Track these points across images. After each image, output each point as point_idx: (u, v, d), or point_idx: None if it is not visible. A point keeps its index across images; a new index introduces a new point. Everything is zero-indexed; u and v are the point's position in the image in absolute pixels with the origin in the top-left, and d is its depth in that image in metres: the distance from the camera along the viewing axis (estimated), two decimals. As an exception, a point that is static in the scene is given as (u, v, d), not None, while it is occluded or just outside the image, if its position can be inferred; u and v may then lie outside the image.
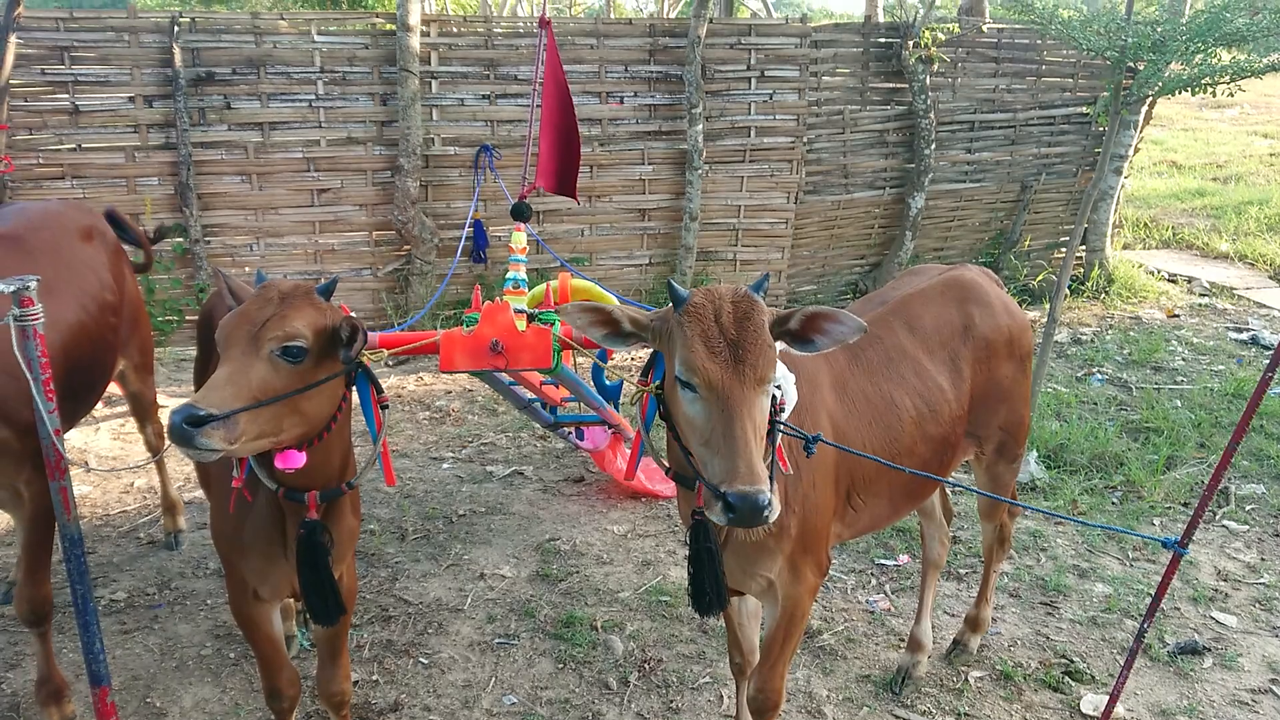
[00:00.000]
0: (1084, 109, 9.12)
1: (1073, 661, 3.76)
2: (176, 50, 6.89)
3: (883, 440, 2.84)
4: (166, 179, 7.13)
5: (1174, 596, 4.22)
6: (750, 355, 2.06)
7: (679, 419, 2.21)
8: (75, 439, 5.50)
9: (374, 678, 3.58)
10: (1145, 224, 11.51)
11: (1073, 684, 3.64)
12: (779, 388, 2.41)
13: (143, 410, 4.27)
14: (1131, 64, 5.52)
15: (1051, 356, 6.75)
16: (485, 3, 19.86)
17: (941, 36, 8.31)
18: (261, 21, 7.24)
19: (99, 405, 5.67)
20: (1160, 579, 2.62)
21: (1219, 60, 5.28)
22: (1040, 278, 9.09)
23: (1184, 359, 7.36)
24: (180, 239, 7.13)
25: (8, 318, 2.51)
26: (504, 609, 4.05)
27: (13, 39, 6.59)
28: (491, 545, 4.57)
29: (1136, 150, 9.38)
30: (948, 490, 3.86)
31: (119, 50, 6.91)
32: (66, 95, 6.88)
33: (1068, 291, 8.52)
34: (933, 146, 8.48)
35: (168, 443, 2.14)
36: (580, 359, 4.86)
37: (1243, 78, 5.22)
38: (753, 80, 7.99)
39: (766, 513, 1.95)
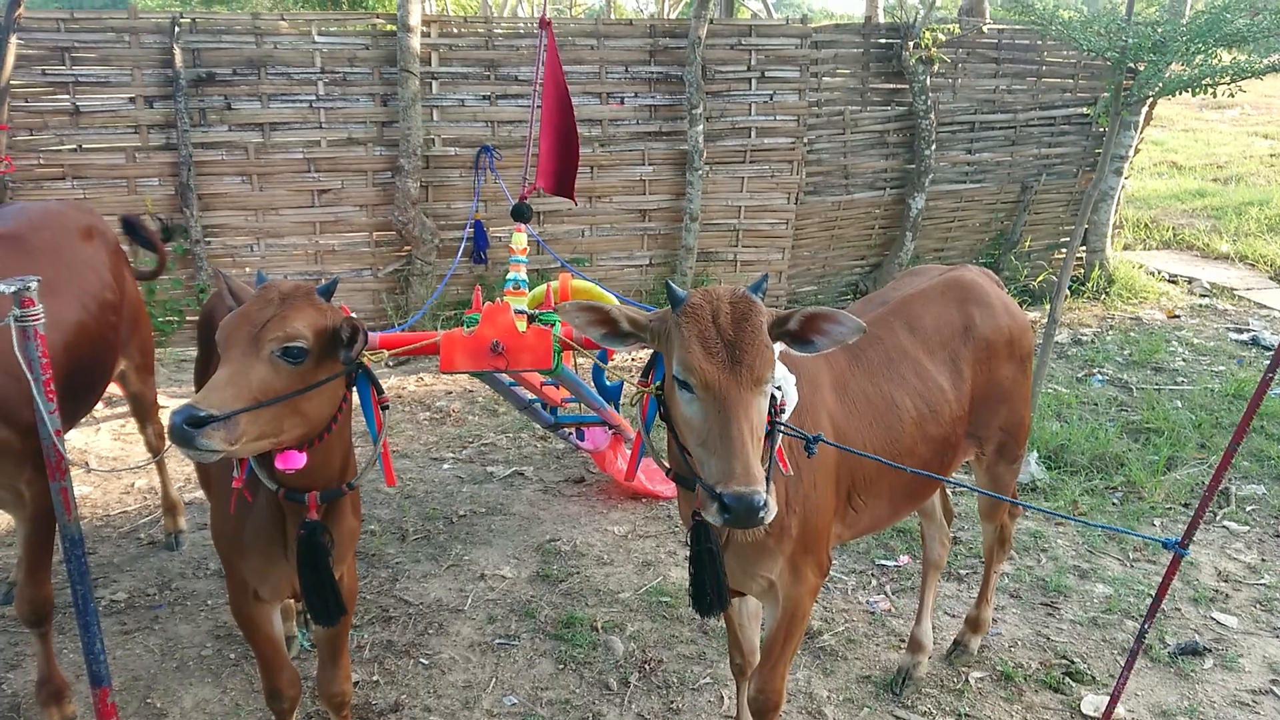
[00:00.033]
0: (1084, 110, 9.12)
1: (1073, 662, 3.76)
2: (177, 51, 6.90)
3: (883, 441, 2.84)
4: (167, 180, 7.13)
5: (1174, 597, 4.22)
6: (747, 356, 2.06)
7: (677, 419, 2.21)
8: (76, 439, 5.50)
9: (374, 678, 3.58)
10: (1146, 225, 11.51)
11: (1073, 685, 3.64)
12: (779, 389, 2.41)
13: (143, 411, 4.27)
14: (1132, 65, 5.52)
15: (1052, 357, 6.74)
16: (486, 3, 19.88)
17: (942, 37, 8.31)
18: (262, 22, 7.24)
19: (99, 406, 5.68)
20: (1161, 580, 2.62)
21: (1219, 61, 5.28)
22: (1041, 278, 9.09)
23: (1184, 360, 7.36)
24: (181, 240, 7.13)
25: (9, 318, 2.51)
26: (504, 609, 4.05)
27: (13, 40, 6.59)
28: (492, 546, 4.57)
29: (1137, 151, 9.39)
30: (948, 491, 3.86)
31: (119, 51, 6.91)
32: (67, 96, 6.88)
33: (1068, 292, 8.52)
34: (933, 147, 8.48)
35: (168, 443, 2.14)
36: (581, 360, 4.86)
37: (1243, 78, 5.22)
38: (753, 81, 8.00)
39: (762, 514, 1.95)
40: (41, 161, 6.91)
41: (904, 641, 3.84)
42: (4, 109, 6.65)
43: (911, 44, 8.21)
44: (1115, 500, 5.13)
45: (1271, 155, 15.18)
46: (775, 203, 8.27)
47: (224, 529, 2.68)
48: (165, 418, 2.25)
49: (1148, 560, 4.56)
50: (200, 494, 4.68)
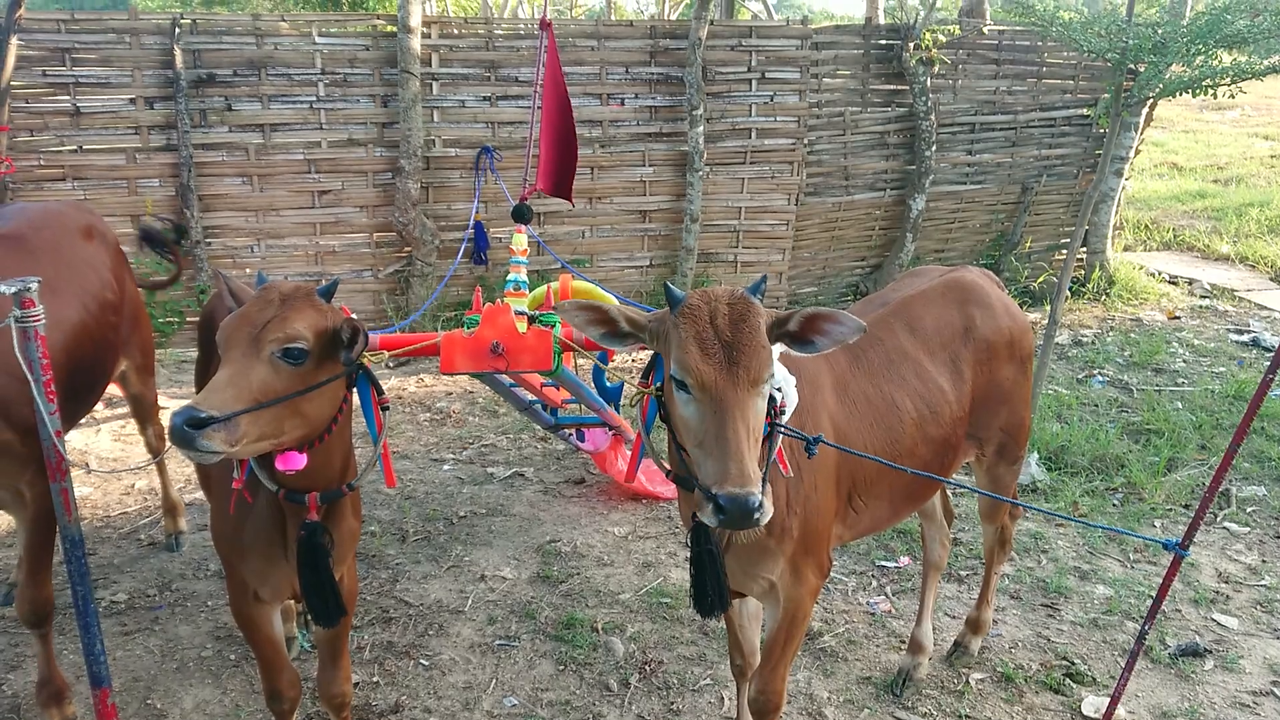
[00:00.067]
0: (1085, 111, 9.13)
1: (1074, 663, 3.76)
2: (177, 52, 6.90)
3: (884, 442, 2.84)
4: (167, 181, 7.13)
5: (1175, 598, 4.21)
6: (744, 357, 2.06)
7: (674, 420, 2.21)
8: (76, 440, 5.50)
9: (374, 679, 3.58)
10: (1146, 226, 11.51)
11: (1074, 686, 3.64)
12: (779, 390, 2.41)
13: (144, 412, 4.27)
14: (1132, 66, 5.52)
15: (1052, 358, 6.74)
16: (486, 4, 19.89)
17: (942, 38, 8.31)
18: (262, 23, 7.25)
19: (100, 406, 5.69)
20: (1161, 581, 2.62)
21: (1220, 62, 5.28)
22: (1041, 279, 9.09)
23: (1185, 361, 7.36)
24: (181, 240, 7.13)
25: (9, 319, 2.51)
26: (505, 611, 4.05)
27: (14, 41, 6.60)
28: (492, 547, 4.57)
29: (1137, 152, 9.39)
30: (948, 492, 3.86)
31: (120, 52, 6.92)
32: (67, 97, 6.88)
33: (1068, 293, 8.52)
34: (933, 148, 8.48)
35: (169, 444, 2.14)
36: (581, 361, 4.86)
37: (1243, 79, 5.22)
38: (753, 82, 8.00)
39: (757, 515, 1.95)
40: (42, 162, 6.91)
41: (904, 643, 3.84)
42: (4, 110, 6.66)
43: (912, 45, 8.21)
44: (1116, 501, 5.13)
45: (1272, 156, 15.18)
46: (776, 204, 8.27)
47: (224, 530, 2.68)
48: (166, 419, 2.25)
49: (1148, 561, 4.56)
50: (200, 495, 4.67)
